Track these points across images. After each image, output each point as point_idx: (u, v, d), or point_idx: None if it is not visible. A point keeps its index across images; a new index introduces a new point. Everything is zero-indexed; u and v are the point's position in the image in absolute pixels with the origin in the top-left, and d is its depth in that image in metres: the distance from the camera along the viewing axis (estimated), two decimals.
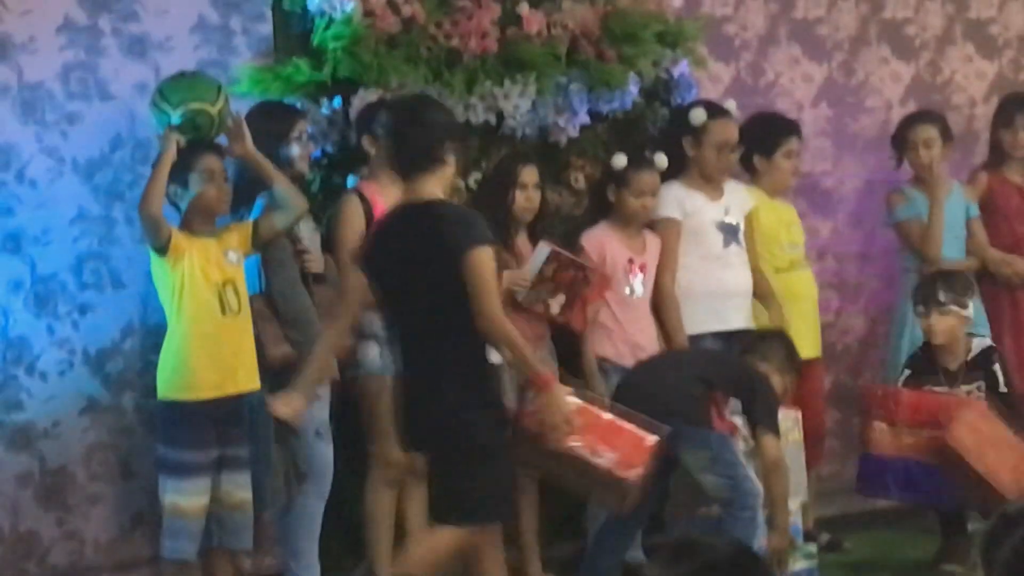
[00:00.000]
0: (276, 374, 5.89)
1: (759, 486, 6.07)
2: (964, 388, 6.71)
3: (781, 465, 6.25)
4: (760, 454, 6.23)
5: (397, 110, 5.78)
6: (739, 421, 6.35)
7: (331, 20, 6.43)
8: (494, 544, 5.48)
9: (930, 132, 7.42)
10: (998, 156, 7.78)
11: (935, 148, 7.41)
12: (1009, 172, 7.77)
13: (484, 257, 5.31)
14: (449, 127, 5.56)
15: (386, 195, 6.20)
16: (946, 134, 7.48)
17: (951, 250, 7.48)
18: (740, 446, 6.26)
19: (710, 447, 6.11)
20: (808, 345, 7.03)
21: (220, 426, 5.80)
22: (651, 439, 5.45)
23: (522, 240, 6.53)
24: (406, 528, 6.26)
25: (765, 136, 7.21)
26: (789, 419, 6.47)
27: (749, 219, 7.07)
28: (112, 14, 6.31)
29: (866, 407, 6.69)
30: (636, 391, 6.15)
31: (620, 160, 6.66)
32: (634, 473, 5.43)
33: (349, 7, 6.39)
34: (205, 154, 5.94)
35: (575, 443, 5.40)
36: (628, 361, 6.62)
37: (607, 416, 5.49)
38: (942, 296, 6.68)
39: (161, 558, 5.99)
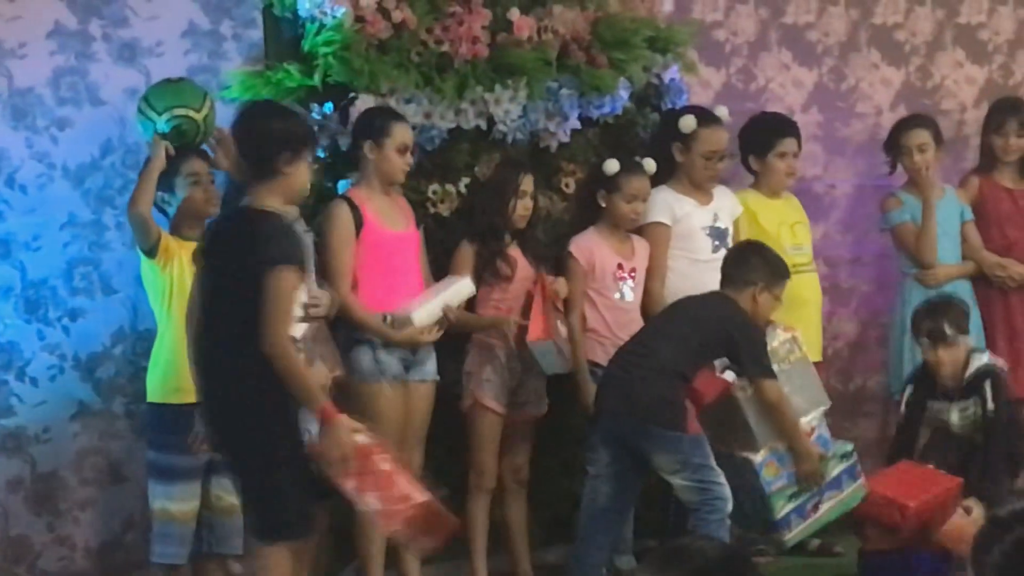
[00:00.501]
0: None
1: (728, 490, 6.06)
2: (959, 405, 6.73)
3: (782, 402, 6.26)
4: (760, 400, 6.23)
5: (237, 116, 5.66)
6: (731, 374, 6.34)
7: (321, 25, 6.41)
8: (280, 565, 5.28)
9: (923, 136, 7.43)
10: (989, 160, 7.77)
11: (928, 152, 7.41)
12: (1000, 176, 7.75)
13: (283, 278, 5.13)
14: (288, 137, 5.37)
15: (375, 201, 6.25)
16: (938, 138, 7.50)
17: (946, 254, 7.48)
18: (740, 395, 6.27)
19: (682, 451, 6.07)
20: (811, 350, 6.97)
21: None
22: (419, 499, 5.20)
23: (512, 246, 6.50)
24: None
25: (759, 137, 7.21)
26: (786, 341, 6.44)
27: (739, 223, 7.04)
28: (102, 19, 6.32)
29: (868, 513, 6.56)
30: (613, 392, 6.14)
31: (612, 166, 6.61)
32: (390, 529, 5.31)
33: (339, 12, 6.38)
34: (190, 158, 6.02)
35: (348, 482, 5.22)
36: None
37: (386, 466, 5.26)
38: (948, 331, 6.68)
39: (151, 563, 6.02)
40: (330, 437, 5.14)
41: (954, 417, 6.75)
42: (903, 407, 6.96)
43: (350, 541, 6.21)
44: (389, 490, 5.18)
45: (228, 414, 5.26)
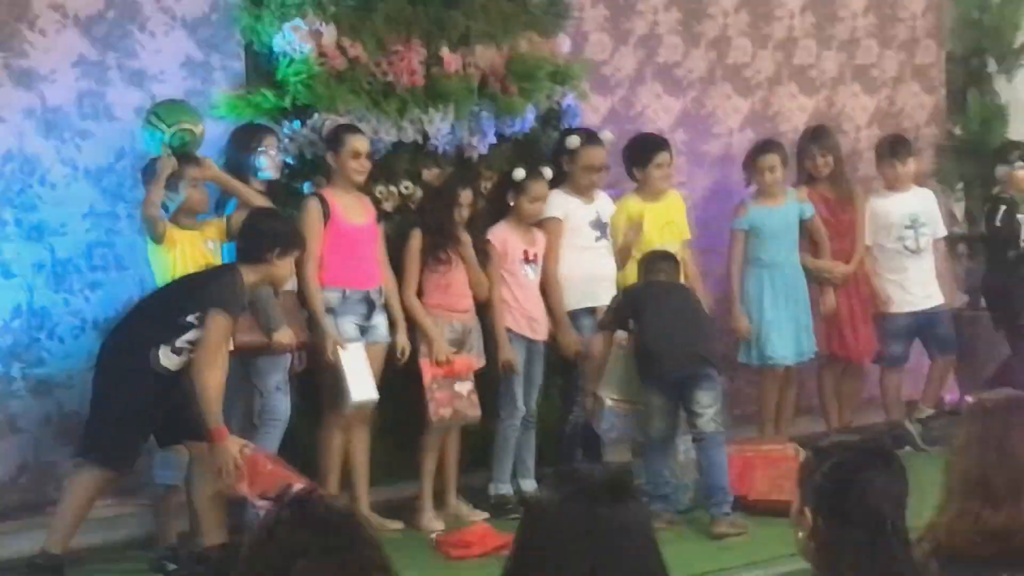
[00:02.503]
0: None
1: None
2: None
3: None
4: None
5: (250, 214, 5.93)
6: (621, 333, 6.60)
7: (292, 59, 6.49)
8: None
9: (774, 160, 7.48)
10: (807, 178, 7.81)
11: (777, 172, 7.46)
12: (819, 188, 7.79)
13: (219, 322, 5.46)
14: (278, 237, 5.69)
15: (341, 199, 6.38)
16: (785, 160, 7.55)
17: (790, 252, 7.54)
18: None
19: (718, 387, 6.42)
20: None
21: None
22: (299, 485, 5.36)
23: (464, 235, 6.63)
24: (350, 464, 6.40)
25: (639, 152, 7.27)
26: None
27: (614, 225, 7.11)
28: (117, 52, 6.36)
29: None
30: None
31: (519, 173, 6.79)
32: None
33: (306, 49, 6.46)
34: (191, 165, 6.06)
35: (242, 487, 5.37)
36: (525, 330, 6.82)
37: (270, 467, 5.39)
38: None
39: (151, 483, 6.08)
40: (216, 453, 5.40)
41: None
42: None
43: (313, 473, 6.17)
44: (275, 484, 5.16)
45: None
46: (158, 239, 6.00)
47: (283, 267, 5.72)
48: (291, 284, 6.14)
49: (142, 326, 5.67)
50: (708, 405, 6.36)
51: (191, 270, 5.98)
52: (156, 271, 6.08)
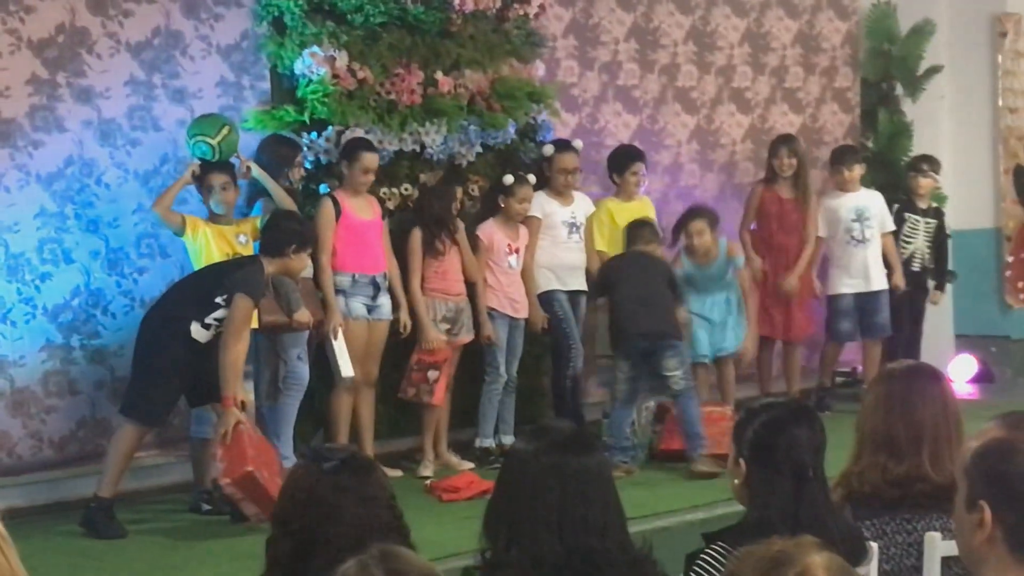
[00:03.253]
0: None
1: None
2: None
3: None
4: None
5: (273, 214, 5.91)
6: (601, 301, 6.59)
7: (310, 80, 6.47)
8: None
9: (701, 225, 7.04)
10: (771, 175, 7.70)
11: (706, 235, 7.02)
12: (777, 188, 7.71)
13: (243, 304, 5.44)
14: (297, 235, 5.66)
15: (351, 199, 6.36)
16: (714, 223, 7.08)
17: (721, 292, 7.17)
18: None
19: (682, 353, 6.42)
20: None
21: None
22: (248, 469, 5.22)
23: (458, 222, 6.62)
24: (357, 421, 6.38)
25: (618, 161, 7.26)
26: None
27: (593, 218, 7.10)
28: (162, 73, 6.34)
29: None
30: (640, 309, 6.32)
31: (509, 179, 6.76)
32: (224, 482, 5.31)
33: (322, 72, 6.44)
34: (221, 170, 6.03)
35: (217, 450, 5.39)
36: (508, 310, 6.77)
37: (244, 445, 5.32)
38: None
39: (189, 437, 6.09)
40: (224, 416, 5.42)
41: None
42: None
43: (326, 429, 6.33)
44: (238, 458, 5.29)
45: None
46: (177, 231, 5.99)
47: (298, 261, 5.72)
48: (308, 271, 6.12)
49: (178, 304, 5.67)
50: (675, 368, 6.36)
51: (216, 255, 5.96)
52: (191, 258, 6.07)
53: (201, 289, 5.64)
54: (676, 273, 6.81)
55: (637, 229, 6.76)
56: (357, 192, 6.42)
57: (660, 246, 6.83)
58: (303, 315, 6.00)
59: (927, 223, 8.18)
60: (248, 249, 6.06)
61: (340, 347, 6.13)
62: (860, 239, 7.81)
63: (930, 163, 8.23)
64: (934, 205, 8.34)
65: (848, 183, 7.89)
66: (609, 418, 6.63)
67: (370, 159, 6.35)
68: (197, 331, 5.59)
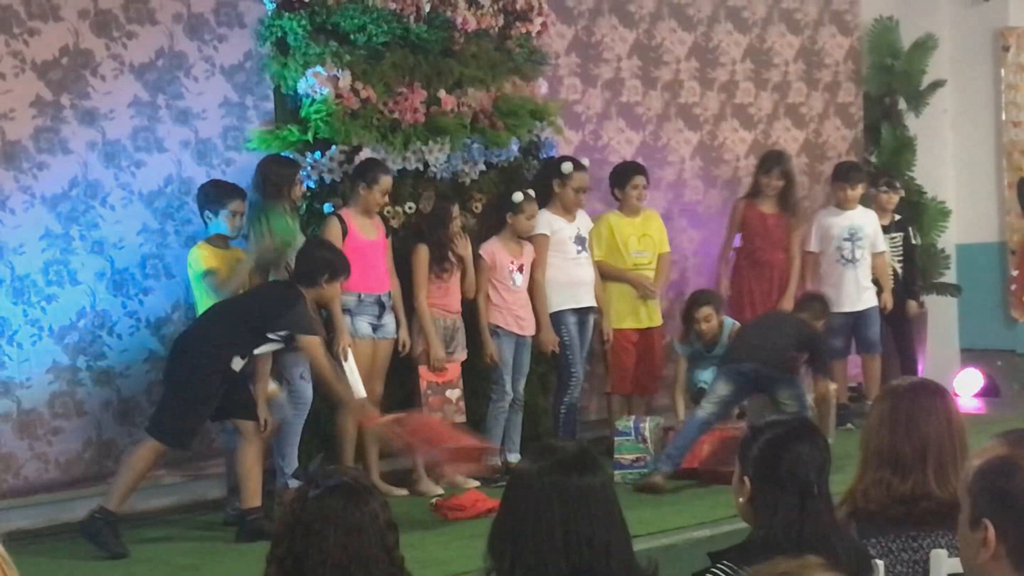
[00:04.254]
0: None
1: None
2: None
3: (829, 397, 6.82)
4: (815, 390, 6.75)
5: (308, 241, 6.00)
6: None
7: (313, 100, 6.47)
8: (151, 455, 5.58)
9: (708, 311, 7.02)
10: (756, 191, 7.79)
11: (713, 321, 6.98)
12: (760, 203, 7.80)
13: (314, 343, 5.60)
14: (329, 265, 5.72)
15: (357, 218, 6.36)
16: (719, 308, 7.10)
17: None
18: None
19: (798, 386, 6.50)
20: (654, 318, 7.30)
21: None
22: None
23: (462, 240, 6.62)
24: (362, 440, 6.34)
25: (620, 176, 7.33)
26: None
27: (594, 233, 7.13)
28: (166, 95, 6.33)
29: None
30: (749, 346, 6.51)
31: (518, 196, 6.74)
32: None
33: (325, 91, 6.43)
34: (232, 198, 6.04)
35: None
36: (513, 327, 6.77)
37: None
38: None
39: (224, 449, 6.12)
40: (376, 431, 5.77)
41: None
42: None
43: (330, 448, 6.25)
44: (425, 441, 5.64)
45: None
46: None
47: (331, 290, 5.77)
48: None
49: (224, 336, 5.64)
50: (788, 399, 6.45)
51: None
52: (195, 293, 6.10)
53: (248, 324, 5.66)
54: (814, 342, 6.79)
55: (809, 301, 7.05)
56: (367, 212, 6.42)
57: (825, 321, 7.04)
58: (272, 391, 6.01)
59: (892, 239, 8.20)
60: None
61: (351, 368, 6.11)
62: (849, 259, 7.83)
63: (890, 177, 8.32)
64: (897, 218, 8.34)
65: (848, 201, 7.92)
66: (680, 427, 6.66)
67: (389, 182, 6.37)
68: (236, 363, 5.65)
